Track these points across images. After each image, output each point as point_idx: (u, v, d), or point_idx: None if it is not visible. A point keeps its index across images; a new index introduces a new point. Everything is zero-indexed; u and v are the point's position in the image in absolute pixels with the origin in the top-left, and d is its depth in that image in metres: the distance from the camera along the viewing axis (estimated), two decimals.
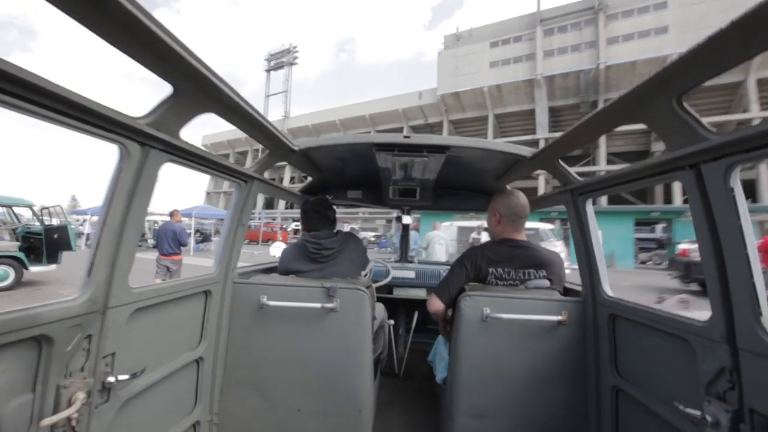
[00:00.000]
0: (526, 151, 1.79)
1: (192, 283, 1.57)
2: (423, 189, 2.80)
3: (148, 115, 1.07)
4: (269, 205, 41.19)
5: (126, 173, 1.08)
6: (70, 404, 0.98)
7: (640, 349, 1.46)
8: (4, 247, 7.70)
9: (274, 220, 34.95)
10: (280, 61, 48.81)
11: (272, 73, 50.11)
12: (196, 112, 1.19)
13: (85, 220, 20.95)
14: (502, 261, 1.87)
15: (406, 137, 1.73)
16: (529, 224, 14.02)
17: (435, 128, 34.27)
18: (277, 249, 3.08)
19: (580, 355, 1.72)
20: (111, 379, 1.13)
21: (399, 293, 3.20)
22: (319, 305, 1.75)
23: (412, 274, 3.24)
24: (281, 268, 2.13)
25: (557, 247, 12.56)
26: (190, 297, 1.58)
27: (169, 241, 6.70)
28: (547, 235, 12.91)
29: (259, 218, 28.53)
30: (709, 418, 1.02)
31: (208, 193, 46.48)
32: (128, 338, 1.21)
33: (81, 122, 0.91)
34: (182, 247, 6.89)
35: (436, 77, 32.40)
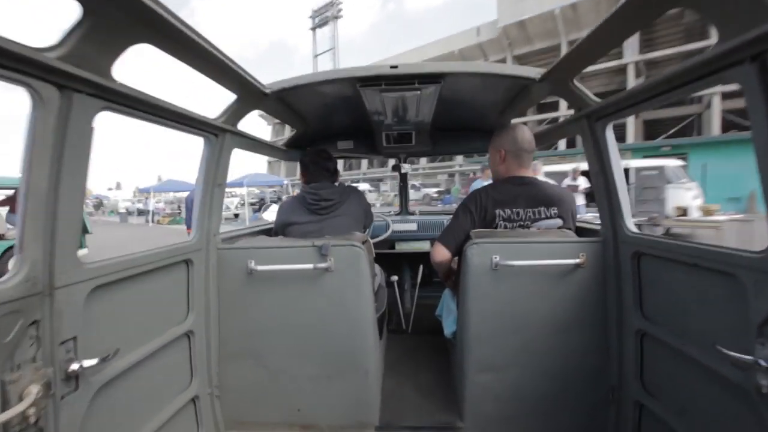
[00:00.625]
0: (534, 72, 1.56)
1: (166, 253, 1.43)
2: (419, 133, 2.59)
3: (57, 46, 0.84)
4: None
5: (44, 125, 0.88)
6: (21, 399, 0.86)
7: (671, 288, 1.31)
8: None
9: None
10: (325, 16, 46.49)
11: (318, 31, 48.21)
12: (125, 42, 0.96)
13: (147, 198, 22.17)
14: (510, 201, 1.73)
15: (393, 67, 1.53)
16: (648, 162, 11.38)
17: None
18: (270, 214, 3.02)
19: (600, 299, 1.61)
20: (75, 366, 1.00)
21: (401, 247, 3.07)
22: (311, 266, 1.63)
23: (413, 227, 3.09)
24: (278, 221, 2.08)
25: (692, 190, 10.32)
26: (167, 268, 1.45)
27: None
28: (677, 174, 10.46)
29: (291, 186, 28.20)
30: (762, 362, 0.89)
31: (269, 162, 47.65)
32: (92, 319, 1.08)
33: None
34: None
35: (492, 13, 28.09)
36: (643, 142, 21.66)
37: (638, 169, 10.73)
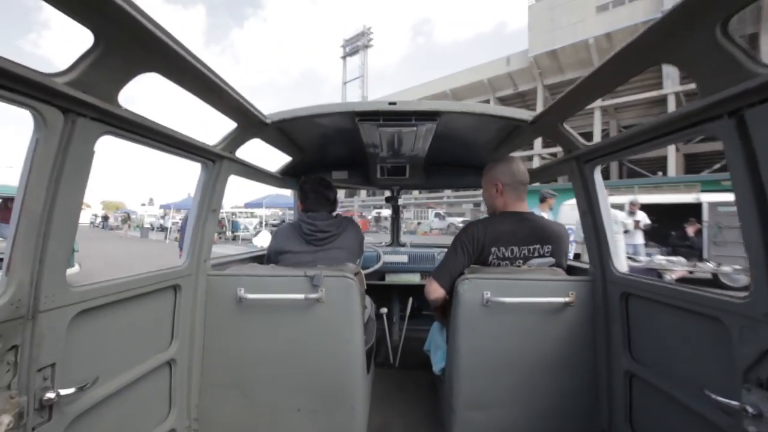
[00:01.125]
0: (526, 115, 1.62)
1: (155, 278, 1.40)
2: (413, 166, 2.62)
3: (67, 71, 0.86)
4: (350, 194, 41.03)
5: (46, 147, 0.89)
6: None
7: (659, 330, 1.32)
8: None
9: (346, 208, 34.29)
10: (356, 45, 47.80)
11: (348, 60, 49.49)
12: (134, 70, 0.99)
13: (165, 215, 22.30)
14: (506, 238, 1.71)
15: (391, 103, 1.56)
16: (725, 196, 9.26)
17: (527, 97, 29.85)
18: (260, 239, 3.15)
19: (589, 338, 1.60)
20: (50, 395, 0.96)
21: (392, 279, 3.03)
22: (302, 296, 1.61)
23: (404, 258, 3.07)
24: (272, 247, 2.05)
25: None
26: (154, 293, 1.41)
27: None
28: None
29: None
30: (750, 409, 0.88)
31: None
32: (73, 345, 1.04)
33: None
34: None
35: (521, 44, 27.70)
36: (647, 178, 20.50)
37: (712, 205, 8.57)
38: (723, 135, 0.93)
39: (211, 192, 1.68)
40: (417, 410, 2.26)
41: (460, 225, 23.53)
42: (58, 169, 0.92)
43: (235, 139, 1.66)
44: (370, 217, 28.55)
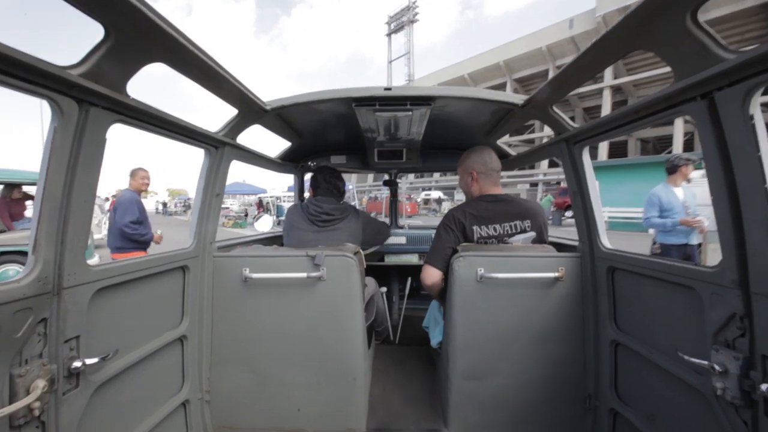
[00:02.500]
0: (518, 99, 1.68)
1: (164, 259, 1.48)
2: (409, 150, 2.69)
3: (80, 63, 0.92)
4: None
5: (63, 135, 0.95)
6: (29, 393, 0.91)
7: (641, 301, 1.41)
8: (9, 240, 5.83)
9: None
10: (401, 21, 45.90)
11: (394, 37, 47.82)
12: (141, 61, 1.04)
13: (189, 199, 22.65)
14: (486, 218, 1.81)
15: (386, 89, 1.61)
16: None
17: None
18: (262, 224, 2.94)
19: (577, 310, 1.69)
20: (77, 363, 1.05)
21: (391, 260, 3.13)
22: (305, 275, 1.69)
23: (403, 240, 3.15)
24: (284, 223, 2.27)
25: None
26: (164, 274, 1.50)
27: (115, 229, 3.73)
28: None
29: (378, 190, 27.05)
30: (717, 367, 0.98)
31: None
32: (94, 320, 1.13)
33: None
34: (140, 236, 3.73)
35: (585, 4, 24.50)
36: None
37: None
38: (696, 116, 1.00)
39: (214, 177, 1.74)
40: (415, 382, 2.35)
41: None
42: (74, 156, 0.99)
43: (236, 126, 1.70)
44: (419, 200, 27.59)
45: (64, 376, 1.03)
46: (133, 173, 3.94)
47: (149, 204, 39.39)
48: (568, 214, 19.83)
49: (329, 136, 2.53)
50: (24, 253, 5.31)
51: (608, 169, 16.65)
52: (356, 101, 1.67)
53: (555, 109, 1.60)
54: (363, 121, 1.94)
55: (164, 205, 36.71)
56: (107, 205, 17.60)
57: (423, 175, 40.35)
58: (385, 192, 25.74)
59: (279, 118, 1.93)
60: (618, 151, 28.25)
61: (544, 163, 27.56)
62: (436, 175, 37.48)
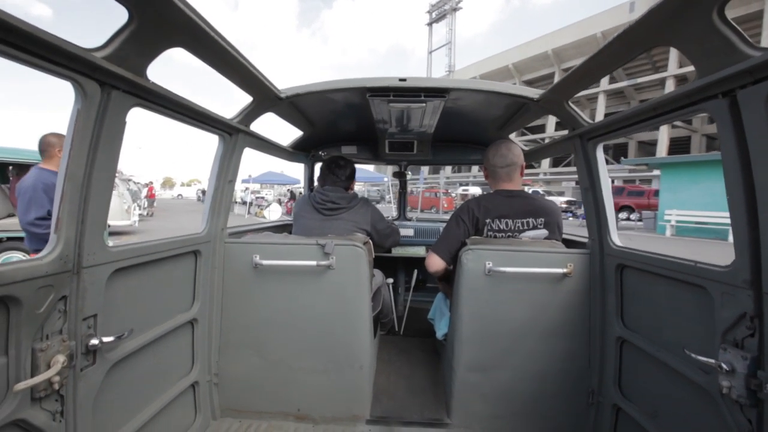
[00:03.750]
0: (533, 93, 1.66)
1: (178, 243, 1.50)
2: (421, 142, 2.68)
3: (104, 46, 0.93)
4: (434, 170, 39.08)
5: (86, 117, 0.97)
6: (49, 367, 0.94)
7: (650, 299, 1.41)
8: None
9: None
10: (443, 9, 44.43)
11: (435, 27, 46.48)
12: (162, 45, 1.05)
13: (246, 189, 22.62)
14: (499, 212, 1.82)
15: (401, 80, 1.60)
16: None
17: (657, 55, 24.58)
18: (272, 213, 3.54)
19: (584, 307, 1.70)
20: (95, 341, 1.08)
21: (398, 251, 3.10)
22: (314, 263, 1.71)
23: (410, 232, 3.16)
24: (293, 211, 2.30)
25: None
26: (177, 257, 1.52)
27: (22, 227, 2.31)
28: None
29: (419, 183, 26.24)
30: (724, 366, 0.98)
31: None
32: (110, 299, 1.16)
33: (18, 50, 0.77)
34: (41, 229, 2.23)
35: None
36: None
37: None
38: (717, 114, 0.98)
39: (227, 164, 1.76)
40: (419, 372, 2.38)
41: (563, 206, 20.48)
42: (96, 138, 1.00)
43: (251, 113, 1.71)
44: (455, 194, 26.57)
45: (81, 353, 1.06)
46: (47, 145, 2.39)
47: (191, 192, 40.67)
48: (622, 216, 18.19)
49: (341, 126, 2.53)
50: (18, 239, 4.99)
51: (678, 166, 14.72)
52: (370, 91, 1.67)
53: (570, 104, 1.58)
54: (376, 111, 1.94)
55: (203, 192, 37.74)
56: (145, 192, 17.79)
57: (461, 169, 39.08)
58: (421, 185, 24.98)
59: (293, 106, 1.93)
60: (679, 147, 26.06)
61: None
62: (474, 169, 36.21)
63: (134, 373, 1.31)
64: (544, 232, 1.79)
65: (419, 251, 3.10)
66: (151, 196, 18.21)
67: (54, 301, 0.95)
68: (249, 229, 2.23)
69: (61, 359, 0.95)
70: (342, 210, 2.12)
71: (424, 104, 1.74)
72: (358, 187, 25.69)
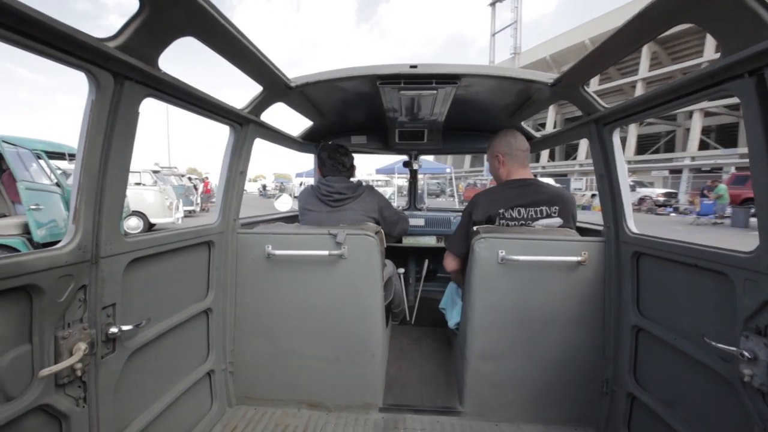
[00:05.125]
0: (547, 78, 1.62)
1: (192, 233, 1.52)
2: (431, 131, 2.64)
3: (116, 36, 0.93)
4: (477, 163, 36.38)
5: (100, 108, 0.97)
6: (72, 354, 0.97)
7: (667, 287, 1.38)
8: None
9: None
10: None
11: (498, 8, 43.26)
12: (173, 35, 1.04)
13: (301, 184, 21.83)
14: (510, 201, 1.80)
15: (412, 66, 1.58)
16: None
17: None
18: (281, 204, 2.95)
19: (599, 295, 1.68)
20: (114, 330, 1.11)
21: (408, 241, 3.11)
22: (326, 252, 1.71)
23: (421, 222, 3.14)
24: (299, 205, 2.26)
25: None
26: (191, 248, 1.54)
27: None
28: None
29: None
30: (746, 353, 0.96)
31: None
32: (127, 289, 1.18)
33: (33, 40, 0.78)
34: None
35: None
36: None
37: None
38: (742, 94, 0.95)
39: (239, 154, 1.76)
40: (431, 361, 2.37)
41: (661, 199, 17.35)
42: (110, 129, 1.01)
43: (261, 103, 1.70)
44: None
45: (102, 341, 1.08)
46: None
47: (252, 187, 41.92)
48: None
49: (351, 116, 2.51)
50: (5, 247, 4.35)
51: None
52: (381, 79, 1.64)
53: (586, 88, 1.54)
54: (386, 100, 1.91)
55: (264, 187, 38.54)
56: (201, 187, 17.36)
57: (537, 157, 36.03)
58: (485, 178, 22.90)
59: (303, 95, 1.92)
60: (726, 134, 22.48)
61: (693, 144, 22.15)
62: (543, 160, 33.10)
63: (152, 361, 1.33)
64: (558, 220, 1.77)
65: (430, 241, 3.10)
66: (207, 192, 18.11)
67: (74, 290, 0.98)
68: (261, 219, 2.26)
69: (82, 347, 0.98)
70: (349, 200, 2.10)
71: (435, 91, 1.70)
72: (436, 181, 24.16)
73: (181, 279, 1.50)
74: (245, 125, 1.72)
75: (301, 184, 21.72)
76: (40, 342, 0.91)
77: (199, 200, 15.01)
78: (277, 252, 1.73)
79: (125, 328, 1.13)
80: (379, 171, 19.26)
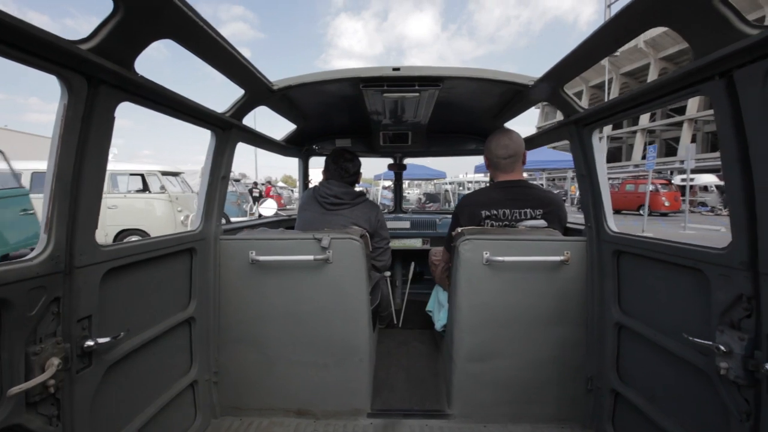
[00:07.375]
0: (527, 80, 1.64)
1: (172, 241, 1.48)
2: (415, 133, 2.66)
3: (89, 38, 0.90)
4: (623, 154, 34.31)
5: (73, 113, 0.94)
6: (44, 370, 0.92)
7: (647, 284, 1.41)
8: None
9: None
10: None
11: None
12: (150, 37, 1.02)
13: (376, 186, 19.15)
14: (495, 203, 1.82)
15: (395, 69, 1.59)
16: None
17: None
18: (266, 209, 3.11)
19: (582, 294, 1.70)
20: (90, 342, 1.06)
21: (394, 244, 3.02)
22: (311, 257, 1.69)
23: (407, 225, 3.17)
24: (298, 206, 2.29)
25: None
26: (172, 256, 1.51)
27: None
28: None
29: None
30: (721, 347, 0.99)
31: None
32: (105, 300, 1.14)
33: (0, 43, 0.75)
34: None
35: None
36: None
37: None
38: (713, 96, 0.97)
39: (220, 159, 1.73)
40: (419, 364, 2.38)
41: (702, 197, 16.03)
42: (85, 135, 0.97)
43: (243, 107, 1.68)
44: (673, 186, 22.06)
45: (77, 355, 1.04)
46: None
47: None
48: None
49: (335, 119, 2.51)
50: None
51: None
52: (364, 81, 1.65)
53: (565, 90, 1.57)
54: (370, 102, 1.92)
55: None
56: (258, 193, 13.46)
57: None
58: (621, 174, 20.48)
59: (285, 99, 1.91)
60: None
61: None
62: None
63: (132, 374, 1.29)
64: (542, 222, 1.78)
65: (416, 243, 3.11)
66: (269, 197, 15.37)
67: (47, 302, 0.94)
68: (244, 225, 2.23)
69: (55, 362, 0.94)
70: (345, 206, 2.09)
71: (417, 94, 1.72)
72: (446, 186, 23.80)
73: (162, 288, 1.46)
74: (227, 129, 1.69)
75: (382, 187, 20.70)
76: (9, 358, 0.86)
77: (255, 210, 11.93)
78: (262, 258, 1.70)
79: (102, 340, 1.09)
80: (377, 177, 18.69)
